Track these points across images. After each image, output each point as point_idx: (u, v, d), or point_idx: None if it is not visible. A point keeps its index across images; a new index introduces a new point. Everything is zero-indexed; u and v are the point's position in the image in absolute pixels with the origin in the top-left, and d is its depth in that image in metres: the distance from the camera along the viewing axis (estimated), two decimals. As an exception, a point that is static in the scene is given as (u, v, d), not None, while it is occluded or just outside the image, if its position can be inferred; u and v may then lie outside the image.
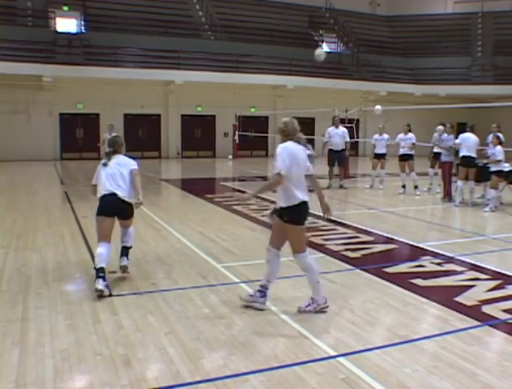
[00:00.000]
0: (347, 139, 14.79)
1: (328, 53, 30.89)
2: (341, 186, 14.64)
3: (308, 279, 5.01)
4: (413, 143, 13.70)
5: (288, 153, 4.76)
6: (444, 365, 3.92)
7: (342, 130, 14.63)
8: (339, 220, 9.92)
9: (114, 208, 5.73)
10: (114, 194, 5.69)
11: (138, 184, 5.86)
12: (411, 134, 13.75)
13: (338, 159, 14.60)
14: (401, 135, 13.85)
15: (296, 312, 4.93)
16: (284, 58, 26.97)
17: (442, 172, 12.49)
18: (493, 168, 11.05)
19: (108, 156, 5.96)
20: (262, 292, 5.04)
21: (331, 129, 14.62)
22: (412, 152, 13.77)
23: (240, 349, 4.15)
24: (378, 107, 16.70)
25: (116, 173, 5.81)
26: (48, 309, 4.99)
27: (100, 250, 5.52)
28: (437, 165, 13.51)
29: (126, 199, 5.78)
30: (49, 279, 5.91)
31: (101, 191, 5.74)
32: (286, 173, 4.70)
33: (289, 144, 4.85)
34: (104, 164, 5.85)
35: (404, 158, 13.77)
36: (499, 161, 10.96)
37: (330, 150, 14.55)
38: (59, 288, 5.65)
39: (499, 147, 11.00)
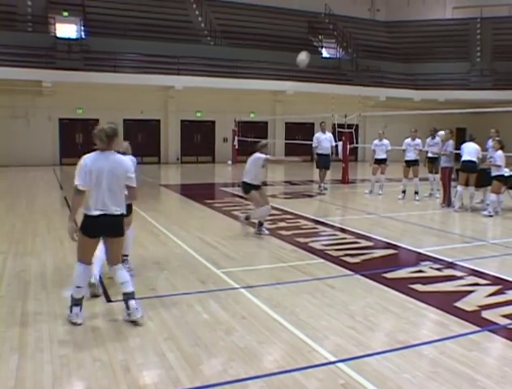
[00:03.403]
0: (333, 144, 15.53)
1: (327, 58, 31.14)
2: (322, 187, 15.36)
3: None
4: (420, 149, 13.75)
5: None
6: (443, 370, 3.91)
7: (329, 135, 15.42)
8: (339, 226, 9.92)
9: None
10: None
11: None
12: (418, 140, 13.78)
13: (326, 162, 15.31)
14: (408, 140, 13.85)
15: (295, 318, 4.93)
16: (284, 64, 27.01)
17: (442, 177, 12.50)
18: (494, 173, 11.06)
19: None
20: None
21: (319, 134, 15.38)
22: (419, 158, 13.81)
23: (239, 355, 4.14)
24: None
25: None
26: (47, 314, 4.98)
27: None
28: (433, 169, 13.61)
29: None
30: (48, 285, 5.91)
31: None
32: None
33: None
34: None
35: (411, 163, 13.75)
36: (499, 166, 10.95)
37: (319, 154, 15.24)
38: (58, 293, 5.64)
39: (500, 152, 10.98)
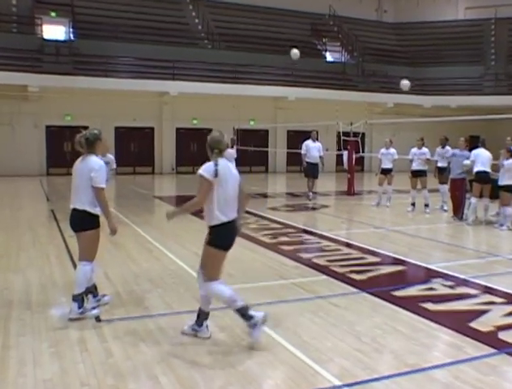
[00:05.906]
0: (321, 154, 16.06)
1: (332, 62, 31.31)
2: (311, 196, 15.92)
3: None
4: (428, 158, 13.70)
5: None
6: (457, 395, 3.89)
7: (318, 144, 16.13)
8: (344, 240, 9.92)
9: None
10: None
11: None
12: (425, 149, 13.76)
13: (314, 171, 15.91)
14: (414, 150, 13.85)
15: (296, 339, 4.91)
16: (285, 68, 27.17)
17: (452, 188, 12.48)
18: (503, 183, 10.94)
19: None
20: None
21: (309, 142, 16.01)
22: (426, 168, 13.78)
23: (237, 378, 4.12)
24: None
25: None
26: (31, 336, 4.96)
27: (226, 288, 5.00)
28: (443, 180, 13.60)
29: None
30: (32, 304, 5.89)
31: (227, 214, 4.89)
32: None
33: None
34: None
35: (417, 174, 13.76)
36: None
37: (308, 162, 15.87)
38: (43, 313, 5.62)
39: (511, 161, 10.88)
